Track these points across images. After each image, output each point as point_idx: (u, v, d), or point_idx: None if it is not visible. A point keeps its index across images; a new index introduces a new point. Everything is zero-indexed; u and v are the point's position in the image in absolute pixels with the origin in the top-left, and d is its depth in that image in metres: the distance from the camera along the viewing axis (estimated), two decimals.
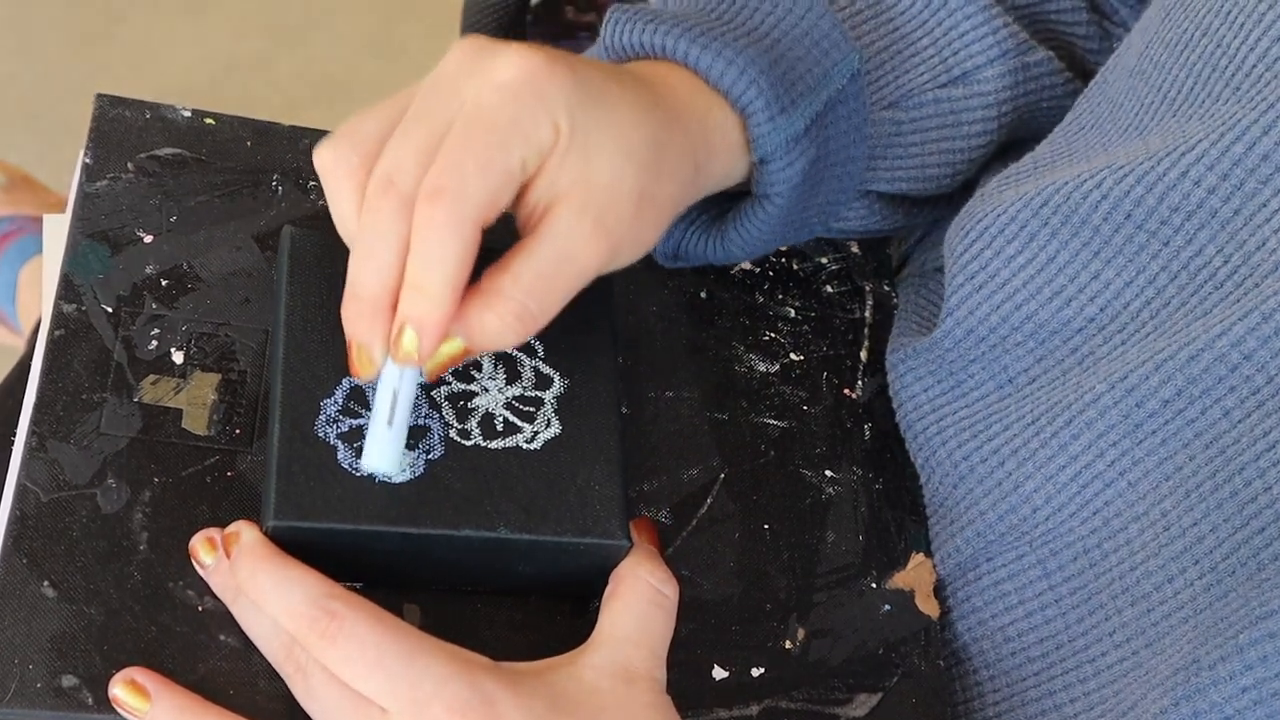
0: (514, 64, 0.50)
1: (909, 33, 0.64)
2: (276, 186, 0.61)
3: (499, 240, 0.51)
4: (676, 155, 0.54)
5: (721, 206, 0.62)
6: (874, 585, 0.60)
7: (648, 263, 0.65)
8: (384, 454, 0.50)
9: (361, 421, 0.52)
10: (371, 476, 0.51)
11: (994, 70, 0.64)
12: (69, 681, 0.49)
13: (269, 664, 0.50)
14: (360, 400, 0.53)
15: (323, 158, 0.51)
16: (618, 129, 0.52)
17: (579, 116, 0.50)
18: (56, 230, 0.59)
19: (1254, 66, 0.52)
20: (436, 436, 0.53)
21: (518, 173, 0.49)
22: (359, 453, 0.51)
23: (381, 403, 0.50)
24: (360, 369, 0.51)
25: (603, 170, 0.51)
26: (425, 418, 0.53)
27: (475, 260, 0.49)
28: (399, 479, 0.51)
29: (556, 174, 0.50)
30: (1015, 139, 0.69)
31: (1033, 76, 0.65)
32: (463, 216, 0.48)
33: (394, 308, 0.49)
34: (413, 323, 0.49)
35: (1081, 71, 0.69)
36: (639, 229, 0.53)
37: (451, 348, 0.50)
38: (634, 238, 0.53)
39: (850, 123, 0.60)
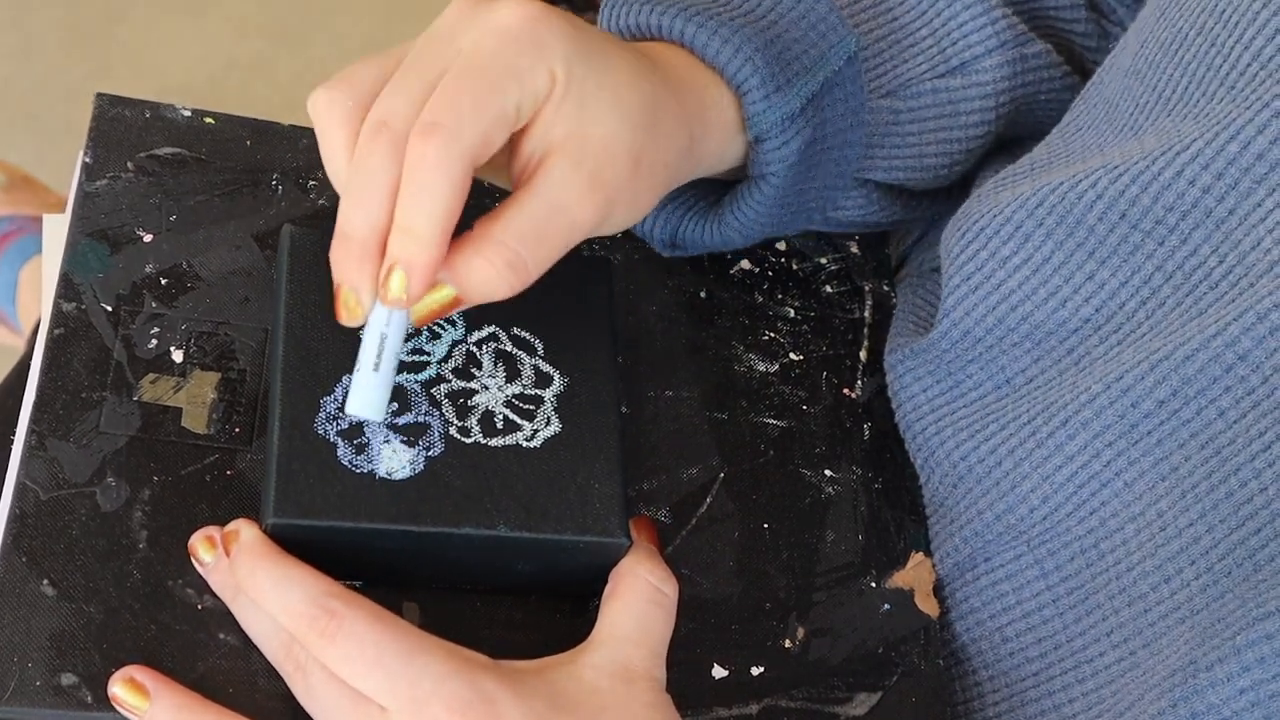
0: (512, 12, 0.50)
1: (908, 23, 0.64)
2: (276, 185, 0.61)
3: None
4: (673, 121, 0.54)
5: (720, 193, 0.62)
6: (874, 584, 0.60)
7: (647, 262, 0.65)
8: (369, 399, 0.50)
9: (361, 421, 0.52)
10: (372, 474, 0.51)
11: (992, 61, 0.64)
12: (68, 680, 0.49)
13: (268, 662, 0.50)
14: None
15: (317, 101, 0.51)
16: (614, 86, 0.51)
17: (576, 67, 0.50)
18: (56, 230, 0.59)
19: (1249, 65, 0.52)
20: (436, 434, 0.53)
21: (511, 115, 0.49)
22: (359, 449, 0.51)
23: (369, 347, 0.50)
24: (348, 313, 0.50)
25: (598, 124, 0.51)
26: (425, 415, 0.53)
27: (466, 205, 0.49)
28: (399, 475, 0.51)
29: (551, 124, 0.50)
30: (1013, 133, 0.69)
31: (1031, 68, 0.66)
32: (454, 154, 0.48)
33: (383, 250, 0.49)
34: (402, 263, 0.48)
35: (1079, 69, 0.69)
36: (634, 189, 0.52)
37: (442, 295, 0.50)
38: (629, 198, 0.52)
39: (847, 106, 0.60)
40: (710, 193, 0.62)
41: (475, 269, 0.49)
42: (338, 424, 0.52)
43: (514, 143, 0.51)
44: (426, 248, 0.48)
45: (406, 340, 0.54)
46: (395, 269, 0.48)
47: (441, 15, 0.51)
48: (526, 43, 0.50)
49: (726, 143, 0.58)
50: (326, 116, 0.50)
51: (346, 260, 0.49)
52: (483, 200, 0.52)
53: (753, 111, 0.57)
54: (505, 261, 0.49)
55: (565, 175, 0.50)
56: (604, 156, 0.51)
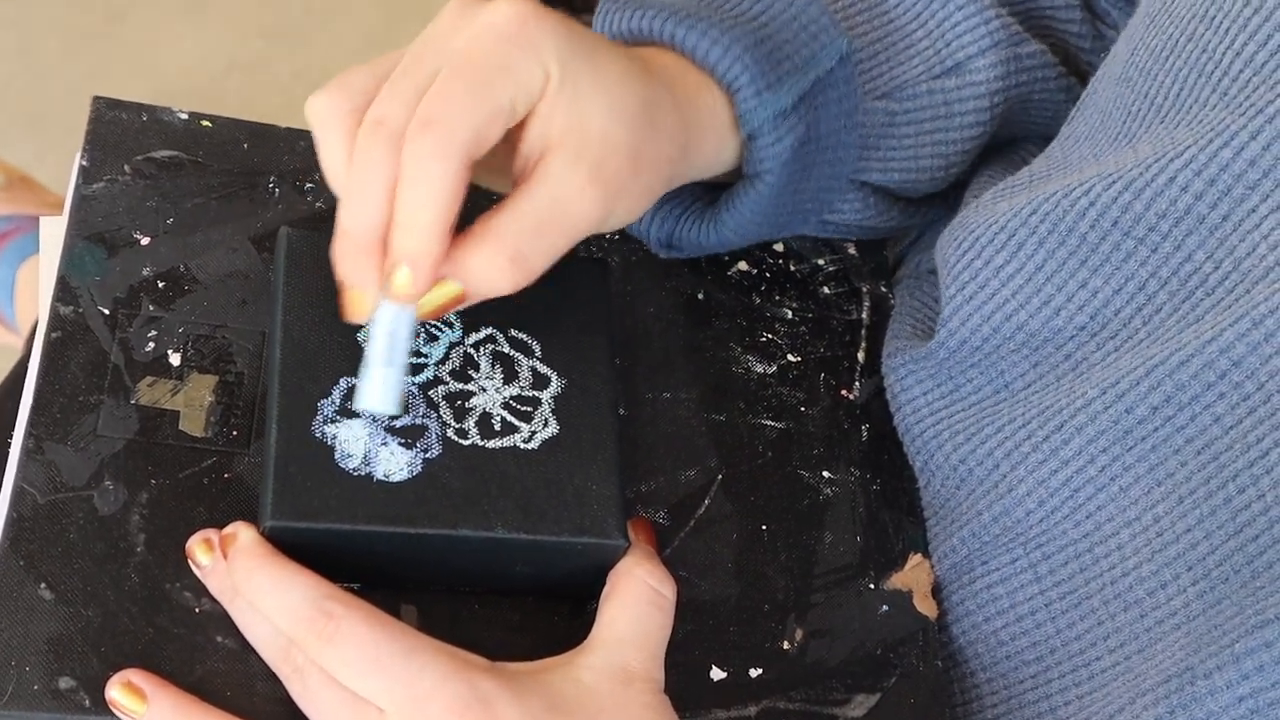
0: (505, 11, 0.50)
1: (903, 24, 0.64)
2: (273, 188, 0.61)
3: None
4: (669, 119, 0.55)
5: (715, 195, 0.62)
6: (872, 586, 0.60)
7: (645, 264, 0.65)
8: (387, 395, 0.51)
9: (359, 420, 0.52)
10: (369, 476, 0.51)
11: (985, 60, 0.64)
12: (66, 683, 0.49)
13: (266, 665, 0.50)
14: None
15: (315, 105, 0.51)
16: (607, 85, 0.52)
17: (569, 65, 0.51)
18: (53, 232, 0.59)
19: (1241, 72, 0.52)
20: (434, 436, 0.53)
21: (506, 109, 0.50)
22: (357, 452, 0.51)
23: (378, 344, 0.51)
24: (353, 310, 0.51)
25: (595, 120, 0.51)
26: (423, 417, 0.53)
27: (465, 199, 0.49)
28: (397, 477, 0.51)
29: (548, 120, 0.51)
30: (1007, 133, 0.69)
31: (1025, 68, 0.66)
32: (451, 149, 0.48)
33: (384, 247, 0.49)
34: (405, 258, 0.49)
35: (1075, 70, 0.69)
36: (634, 185, 0.53)
37: (448, 290, 0.51)
38: (629, 193, 0.53)
39: (841, 107, 0.60)
40: (706, 194, 0.62)
41: (479, 264, 0.50)
42: (335, 426, 0.52)
43: (513, 142, 0.51)
44: (429, 241, 0.49)
45: None
46: (399, 264, 0.49)
47: (436, 18, 0.52)
48: (519, 39, 0.50)
49: (721, 144, 0.58)
50: (324, 120, 0.51)
51: (349, 258, 0.50)
52: (480, 204, 0.52)
53: (744, 109, 0.57)
54: (508, 256, 0.50)
55: (565, 170, 0.51)
56: (603, 151, 0.51)
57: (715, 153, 0.58)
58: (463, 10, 0.51)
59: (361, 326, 0.54)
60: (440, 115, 0.48)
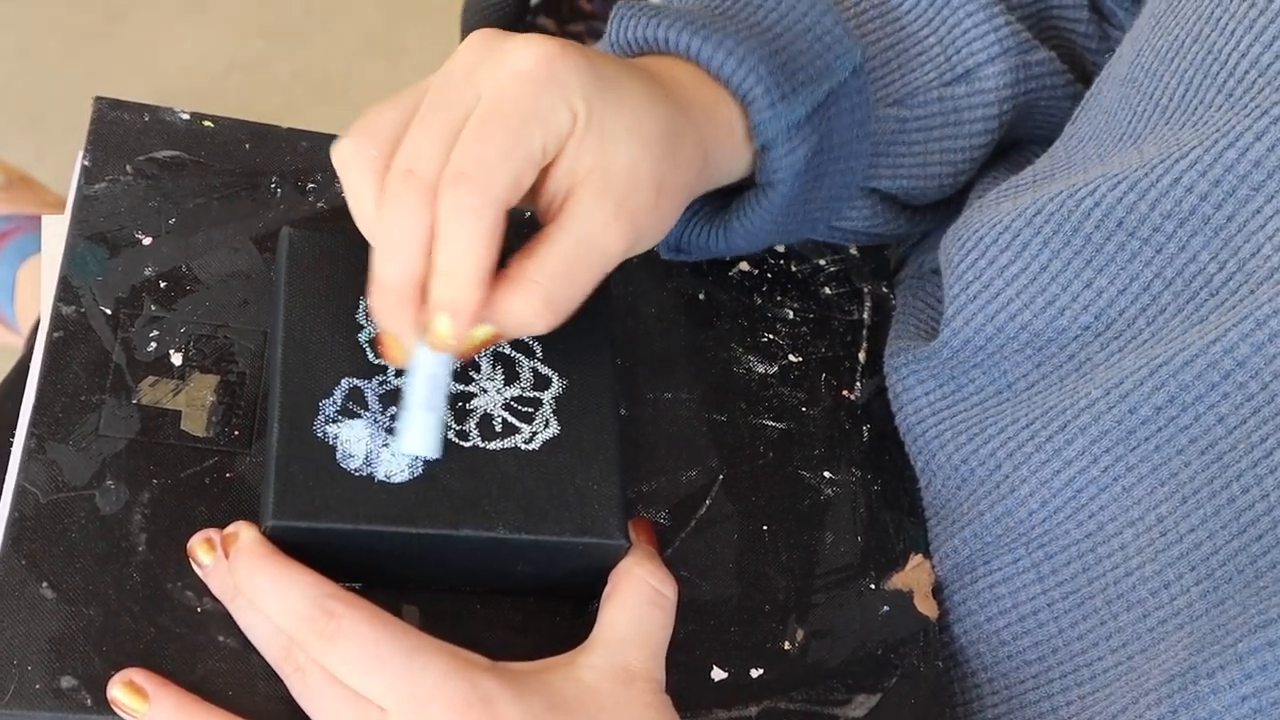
0: (529, 53, 0.51)
1: (915, 31, 0.64)
2: (275, 189, 0.61)
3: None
4: (689, 145, 0.55)
5: (725, 199, 0.62)
6: (873, 586, 0.60)
7: (646, 264, 0.65)
8: (428, 438, 0.52)
9: (360, 420, 0.52)
10: (371, 476, 0.51)
11: (995, 68, 0.64)
12: (68, 682, 0.49)
13: (268, 664, 0.50)
14: (359, 400, 0.53)
15: (341, 152, 0.51)
16: (632, 117, 0.52)
17: (595, 102, 0.51)
18: (55, 231, 0.59)
19: (1247, 73, 0.52)
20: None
21: (538, 157, 0.50)
22: (358, 452, 0.51)
23: (418, 388, 0.51)
24: (394, 357, 0.52)
25: (620, 156, 0.52)
26: None
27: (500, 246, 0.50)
28: (398, 478, 0.51)
29: (575, 159, 0.51)
30: (1012, 138, 0.69)
31: (1034, 75, 0.66)
32: (488, 201, 0.49)
33: (421, 295, 0.50)
34: (446, 308, 0.50)
35: (1082, 72, 0.69)
36: (657, 216, 0.53)
37: (483, 333, 0.52)
38: (654, 224, 0.54)
39: (853, 117, 0.60)
40: (717, 198, 0.62)
41: (514, 309, 0.51)
42: (337, 426, 0.52)
43: (539, 180, 0.52)
44: (470, 291, 0.49)
45: None
46: (440, 314, 0.50)
47: (455, 55, 0.52)
48: (546, 83, 0.50)
49: (735, 157, 0.59)
50: (352, 167, 0.51)
51: (388, 309, 0.51)
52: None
53: (758, 120, 0.57)
54: (542, 301, 0.51)
55: (591, 209, 0.51)
56: (627, 186, 0.52)
57: (730, 166, 0.59)
58: (487, 44, 0.51)
59: (363, 327, 0.54)
60: (475, 169, 0.49)
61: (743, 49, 0.57)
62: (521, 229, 0.52)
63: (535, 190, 0.52)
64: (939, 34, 0.64)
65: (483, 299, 0.50)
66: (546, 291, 0.51)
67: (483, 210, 0.49)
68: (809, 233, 0.65)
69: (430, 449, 0.52)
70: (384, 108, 0.51)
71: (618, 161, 0.52)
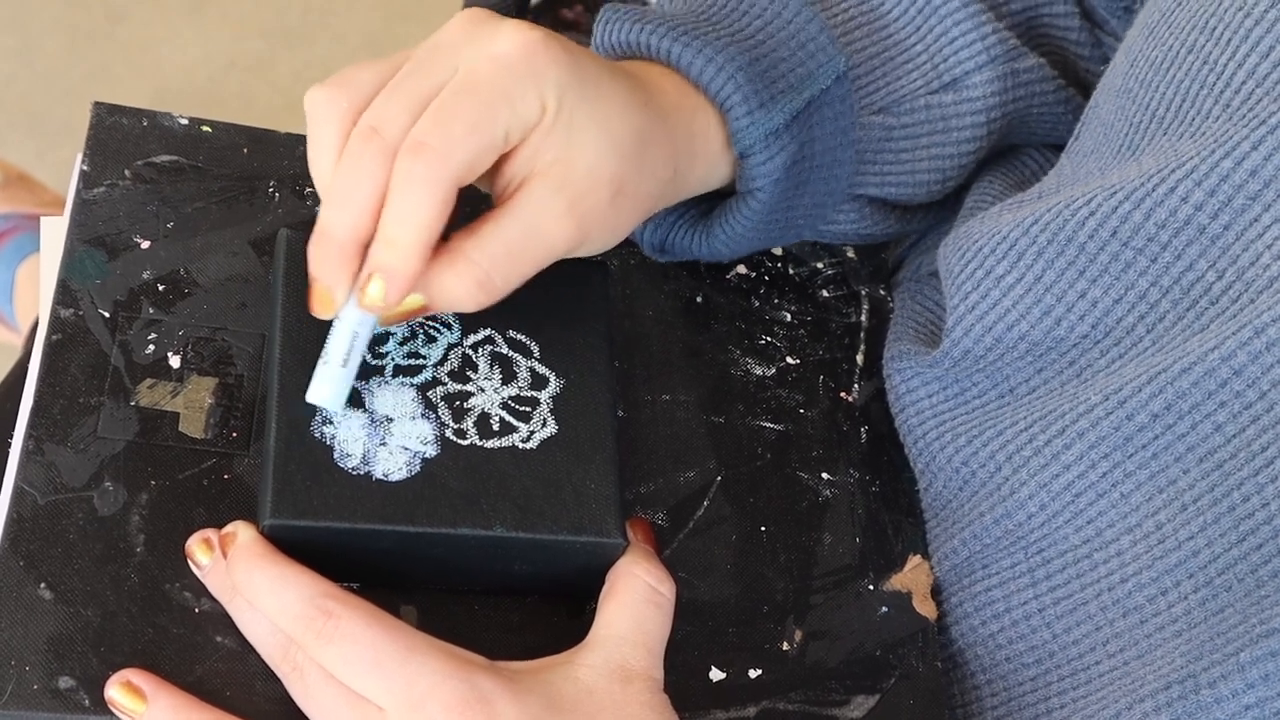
0: (512, 37, 0.51)
1: (902, 39, 0.64)
2: (273, 193, 0.61)
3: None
4: (659, 153, 0.55)
5: (710, 203, 0.62)
6: (871, 587, 0.60)
7: (644, 267, 0.65)
8: (336, 392, 0.52)
9: (357, 420, 0.52)
10: (368, 475, 0.51)
11: (983, 76, 0.64)
12: (66, 683, 0.49)
13: (266, 665, 0.50)
14: (355, 402, 0.53)
15: (313, 97, 0.51)
16: (604, 117, 0.52)
17: (568, 97, 0.51)
18: (54, 233, 0.59)
19: (1244, 83, 0.52)
20: (432, 435, 0.53)
21: (500, 142, 0.50)
22: (355, 451, 0.51)
23: (338, 343, 0.52)
24: (321, 308, 0.52)
25: (584, 154, 0.52)
26: (421, 417, 0.53)
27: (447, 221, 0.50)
28: (396, 477, 0.51)
29: (537, 151, 0.51)
30: (1007, 143, 0.69)
31: (1022, 83, 0.66)
32: (442, 175, 0.49)
33: (361, 253, 0.50)
34: (383, 273, 0.50)
35: (1075, 79, 0.69)
36: (612, 218, 0.54)
37: (412, 302, 0.52)
38: (606, 225, 0.54)
39: (836, 125, 0.60)
40: (703, 201, 0.62)
41: (446, 283, 0.51)
42: (334, 427, 0.52)
43: (499, 163, 0.52)
44: (409, 260, 0.50)
45: (402, 344, 0.55)
46: (376, 276, 0.50)
47: (444, 27, 0.52)
48: (522, 71, 0.50)
49: (711, 168, 0.59)
50: (321, 114, 0.51)
51: (326, 260, 0.51)
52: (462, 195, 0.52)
53: (736, 127, 0.58)
54: (475, 280, 0.51)
55: (544, 200, 0.51)
56: (586, 185, 0.52)
57: (705, 176, 0.59)
58: (474, 22, 0.52)
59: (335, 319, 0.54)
60: (435, 140, 0.49)
61: (722, 56, 0.57)
62: (480, 206, 0.53)
63: (493, 174, 0.52)
64: (926, 42, 0.64)
65: (420, 269, 0.50)
66: (483, 272, 0.51)
67: (436, 183, 0.49)
68: (794, 238, 0.65)
69: (334, 403, 0.52)
70: (365, 65, 0.52)
71: (581, 159, 0.52)
